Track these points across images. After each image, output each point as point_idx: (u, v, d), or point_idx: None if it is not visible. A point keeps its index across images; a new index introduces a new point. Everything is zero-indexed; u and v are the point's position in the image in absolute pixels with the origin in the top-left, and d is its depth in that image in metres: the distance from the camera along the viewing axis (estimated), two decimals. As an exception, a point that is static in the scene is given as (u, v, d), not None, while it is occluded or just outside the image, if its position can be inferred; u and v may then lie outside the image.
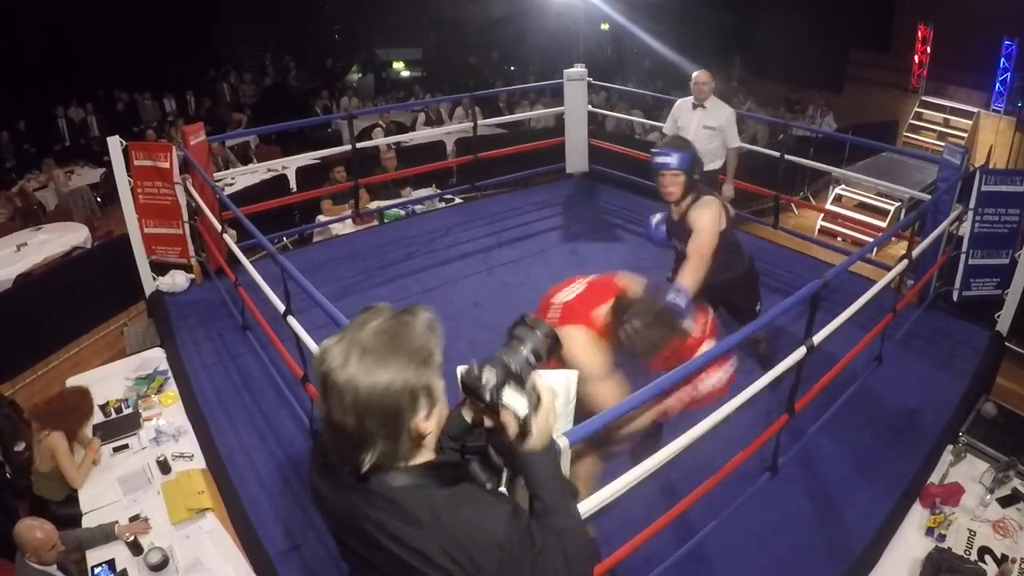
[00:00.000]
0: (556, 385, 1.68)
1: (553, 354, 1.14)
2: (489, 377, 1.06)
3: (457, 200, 6.22)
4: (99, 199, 8.05)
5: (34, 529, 2.48)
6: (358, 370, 0.94)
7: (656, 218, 3.16)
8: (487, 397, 1.06)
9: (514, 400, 1.07)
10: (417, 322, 1.00)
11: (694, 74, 4.44)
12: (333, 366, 0.95)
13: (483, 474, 1.14)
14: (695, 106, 4.47)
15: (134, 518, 2.81)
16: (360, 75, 14.50)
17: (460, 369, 1.12)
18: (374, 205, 5.84)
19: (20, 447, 3.44)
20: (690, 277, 2.67)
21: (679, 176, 2.76)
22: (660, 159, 2.74)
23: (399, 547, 1.00)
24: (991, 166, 8.05)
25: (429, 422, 1.00)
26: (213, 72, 12.63)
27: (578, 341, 1.94)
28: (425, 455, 1.04)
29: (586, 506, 1.88)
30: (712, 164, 4.41)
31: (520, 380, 1.08)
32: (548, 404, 1.12)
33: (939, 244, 4.02)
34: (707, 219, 2.77)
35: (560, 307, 2.05)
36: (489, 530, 0.99)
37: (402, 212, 5.85)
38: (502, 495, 1.13)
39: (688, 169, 2.74)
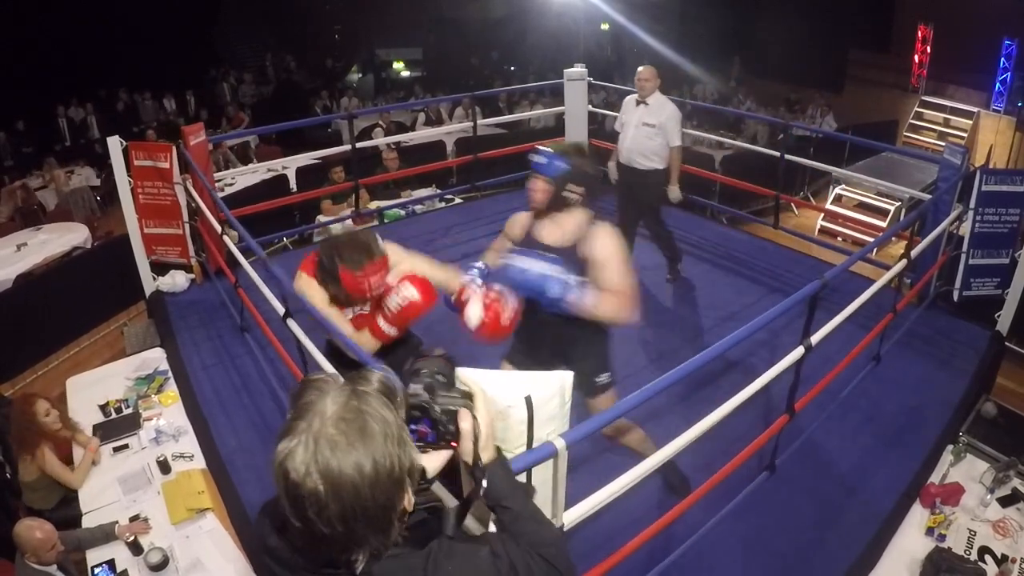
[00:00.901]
0: (552, 387, 1.68)
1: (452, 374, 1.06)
2: (416, 389, 0.98)
3: (457, 200, 6.22)
4: (99, 198, 8.06)
5: (33, 529, 2.48)
6: (336, 473, 0.80)
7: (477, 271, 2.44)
8: (431, 410, 0.97)
9: (454, 401, 1.00)
10: (374, 391, 0.87)
11: (639, 70, 4.35)
12: (302, 474, 0.80)
13: (452, 518, 1.04)
14: (638, 102, 4.35)
15: (134, 518, 2.81)
16: (360, 75, 14.52)
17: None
18: (374, 205, 5.84)
19: (20, 447, 3.44)
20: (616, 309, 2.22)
21: (540, 182, 2.30)
22: (534, 156, 2.33)
23: None
24: (991, 166, 8.05)
25: (412, 498, 0.91)
26: (213, 72, 12.63)
27: (300, 280, 2.36)
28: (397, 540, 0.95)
29: (586, 506, 1.88)
30: (653, 163, 4.29)
31: (446, 386, 1.01)
32: (483, 406, 1.04)
33: (939, 244, 4.02)
34: (612, 245, 2.28)
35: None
36: None
37: (402, 212, 5.86)
38: (477, 538, 1.03)
39: (556, 180, 2.27)
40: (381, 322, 2.28)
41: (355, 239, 2.25)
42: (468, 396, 1.03)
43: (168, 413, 3.45)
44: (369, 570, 0.89)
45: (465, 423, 1.00)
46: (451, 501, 1.03)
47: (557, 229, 2.33)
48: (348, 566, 0.88)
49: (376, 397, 0.86)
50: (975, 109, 9.67)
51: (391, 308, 2.25)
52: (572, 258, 2.25)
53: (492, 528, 1.10)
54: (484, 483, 1.05)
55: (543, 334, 2.40)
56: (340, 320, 2.33)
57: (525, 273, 2.18)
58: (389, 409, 0.86)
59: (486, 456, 1.06)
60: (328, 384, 0.86)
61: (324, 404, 0.83)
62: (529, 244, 2.36)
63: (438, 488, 1.01)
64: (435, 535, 0.97)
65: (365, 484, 0.81)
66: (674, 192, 4.43)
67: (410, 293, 2.23)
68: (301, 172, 6.92)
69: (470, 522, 1.02)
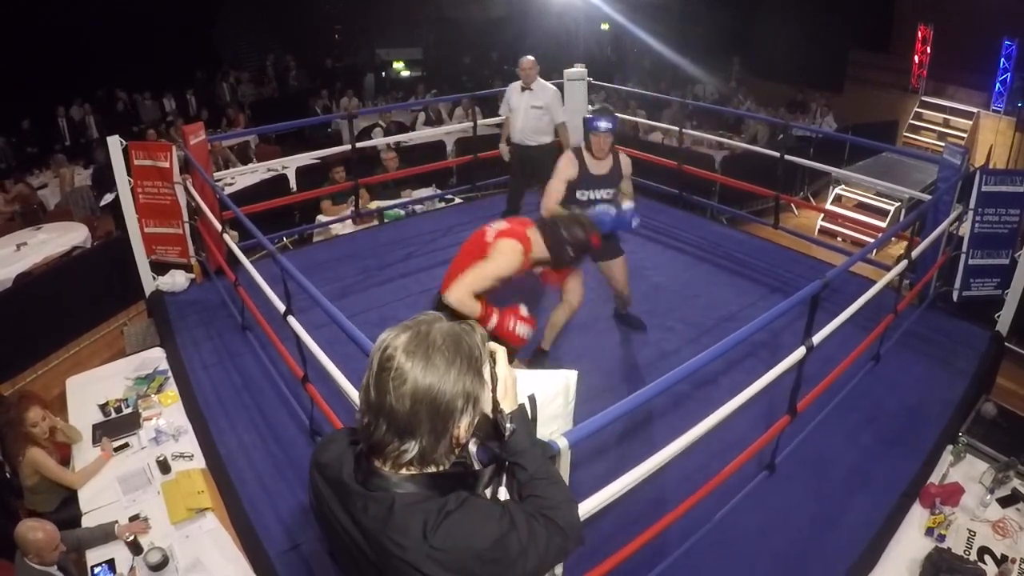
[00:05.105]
0: (555, 385, 1.68)
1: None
2: None
3: (457, 200, 6.22)
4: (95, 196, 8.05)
5: (36, 530, 2.48)
6: (425, 362, 0.97)
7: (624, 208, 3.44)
8: None
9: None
10: (476, 334, 1.06)
11: (521, 60, 4.96)
12: (399, 351, 0.98)
13: (485, 477, 1.15)
14: (523, 89, 4.95)
15: (134, 518, 2.80)
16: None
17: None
18: (374, 205, 5.84)
19: (20, 447, 3.43)
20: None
21: (608, 137, 3.40)
22: (599, 121, 3.38)
23: (387, 557, 1.00)
24: (991, 166, 8.04)
25: (467, 432, 1.03)
26: (213, 72, 12.62)
27: (509, 246, 2.56)
28: (443, 464, 1.05)
29: (587, 506, 1.88)
30: (544, 139, 5.03)
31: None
32: (503, 361, 1.15)
33: (939, 244, 4.02)
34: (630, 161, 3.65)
35: (495, 232, 2.64)
36: (474, 539, 1.00)
37: (402, 212, 5.86)
38: (496, 500, 1.13)
39: (616, 134, 3.45)
40: (519, 328, 2.57)
41: (578, 218, 2.77)
42: (490, 353, 1.14)
43: (168, 413, 3.45)
44: (390, 505, 1.00)
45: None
46: (478, 463, 1.14)
47: (603, 164, 3.50)
48: (395, 457, 1.00)
49: (475, 336, 1.05)
50: (975, 109, 9.67)
51: (519, 334, 2.57)
52: (612, 178, 3.53)
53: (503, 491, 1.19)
54: (508, 427, 1.14)
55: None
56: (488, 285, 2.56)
57: (616, 214, 3.33)
58: (481, 348, 1.05)
59: (507, 406, 1.15)
60: (440, 316, 1.06)
61: (437, 321, 1.03)
62: (587, 177, 3.47)
63: (470, 448, 1.13)
64: (460, 489, 1.05)
65: (442, 382, 0.97)
66: None
67: (525, 331, 2.58)
68: (301, 172, 6.92)
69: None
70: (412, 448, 0.99)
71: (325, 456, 1.12)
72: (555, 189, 3.43)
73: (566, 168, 3.45)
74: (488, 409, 1.10)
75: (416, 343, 0.98)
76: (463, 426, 1.02)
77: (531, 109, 4.91)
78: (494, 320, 2.53)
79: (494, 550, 1.00)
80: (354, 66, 14.23)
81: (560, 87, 5.96)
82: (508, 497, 1.20)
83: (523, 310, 2.60)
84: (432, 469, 1.03)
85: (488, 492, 1.15)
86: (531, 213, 5.65)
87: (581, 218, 2.76)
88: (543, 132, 5.01)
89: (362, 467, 1.04)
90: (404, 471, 1.02)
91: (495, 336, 2.47)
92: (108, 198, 6.68)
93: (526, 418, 1.20)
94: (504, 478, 1.19)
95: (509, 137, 5.14)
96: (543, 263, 2.69)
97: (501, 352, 1.15)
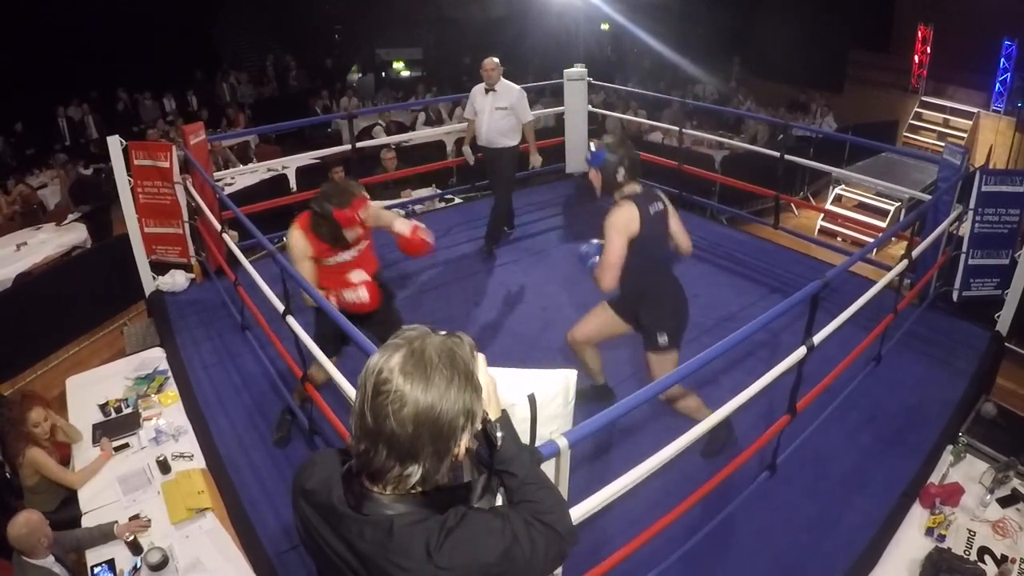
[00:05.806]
0: (555, 385, 1.68)
1: None
2: None
3: (457, 200, 6.22)
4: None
5: (25, 523, 2.48)
6: (425, 383, 0.93)
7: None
8: None
9: None
10: (465, 346, 1.03)
11: (483, 62, 4.78)
12: (395, 373, 0.94)
13: (478, 488, 1.13)
14: (487, 91, 4.83)
15: (134, 518, 2.80)
16: (360, 75, 14.52)
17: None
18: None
19: (20, 447, 3.43)
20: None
21: (595, 173, 2.98)
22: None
23: None
24: (991, 166, 8.05)
25: (466, 448, 1.02)
26: (212, 72, 12.62)
27: (290, 233, 2.83)
28: (441, 483, 1.03)
29: (587, 506, 1.88)
30: (510, 141, 4.90)
31: None
32: (482, 366, 1.12)
33: (939, 244, 4.02)
34: (612, 218, 2.89)
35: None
36: (480, 554, 0.99)
37: (402, 212, 5.85)
38: (494, 509, 1.11)
39: (601, 167, 2.92)
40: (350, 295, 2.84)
41: (338, 185, 2.77)
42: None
43: (168, 413, 3.45)
44: (387, 527, 0.97)
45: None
46: (470, 473, 1.13)
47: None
48: (396, 482, 0.97)
49: (465, 348, 1.02)
50: (975, 109, 9.67)
51: (358, 298, 2.82)
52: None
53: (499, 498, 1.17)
54: (499, 435, 1.12)
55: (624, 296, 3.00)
56: (308, 272, 2.79)
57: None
58: (472, 361, 1.02)
59: (492, 413, 1.13)
60: (427, 330, 1.02)
61: (427, 336, 0.99)
62: None
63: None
64: (455, 503, 1.04)
65: (443, 402, 0.94)
66: (536, 159, 5.15)
67: (363, 294, 2.81)
68: (301, 172, 6.92)
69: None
70: (415, 472, 0.96)
71: (310, 482, 1.08)
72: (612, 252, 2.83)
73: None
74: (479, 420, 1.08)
75: (412, 363, 0.94)
76: (463, 443, 1.00)
77: (496, 111, 4.80)
78: (344, 295, 2.81)
79: (501, 563, 0.99)
80: (343, 66, 14.23)
81: (560, 87, 5.99)
82: (500, 502, 1.18)
83: (353, 277, 2.87)
84: (430, 488, 1.01)
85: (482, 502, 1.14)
86: (525, 212, 5.68)
87: (344, 187, 2.72)
88: (509, 134, 4.90)
89: (353, 491, 1.01)
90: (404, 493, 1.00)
91: (351, 311, 2.75)
92: (71, 217, 6.60)
93: (510, 424, 1.18)
94: (495, 486, 1.17)
95: (474, 140, 5.06)
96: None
97: (480, 358, 1.11)
